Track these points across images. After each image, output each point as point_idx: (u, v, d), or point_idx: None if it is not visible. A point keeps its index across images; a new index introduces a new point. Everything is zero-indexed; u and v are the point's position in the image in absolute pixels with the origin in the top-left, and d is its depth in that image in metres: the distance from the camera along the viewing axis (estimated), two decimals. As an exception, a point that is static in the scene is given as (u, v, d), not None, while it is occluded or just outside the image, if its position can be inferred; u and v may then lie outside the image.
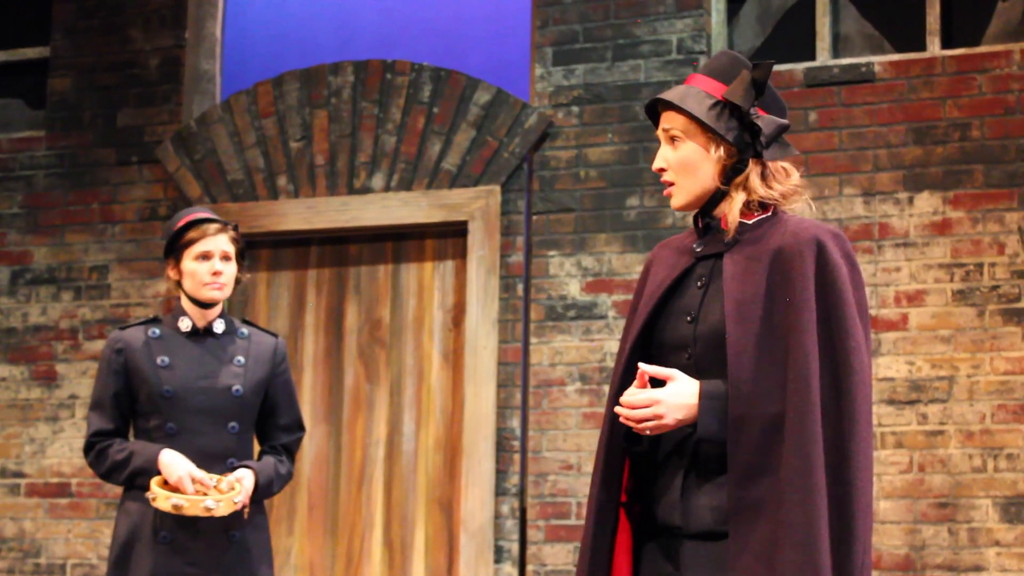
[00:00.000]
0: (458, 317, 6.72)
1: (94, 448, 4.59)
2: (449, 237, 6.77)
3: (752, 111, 3.09)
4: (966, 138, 6.03)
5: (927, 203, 6.05)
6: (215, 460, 4.54)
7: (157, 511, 4.45)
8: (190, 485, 4.40)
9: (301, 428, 4.83)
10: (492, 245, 6.58)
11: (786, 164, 3.14)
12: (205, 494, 4.41)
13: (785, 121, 3.15)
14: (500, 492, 6.44)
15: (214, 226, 4.65)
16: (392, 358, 6.81)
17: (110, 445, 4.56)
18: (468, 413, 6.51)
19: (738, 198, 3.08)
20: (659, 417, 2.93)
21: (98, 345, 7.05)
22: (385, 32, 7.56)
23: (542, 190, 6.58)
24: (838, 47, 6.46)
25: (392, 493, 6.71)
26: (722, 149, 3.08)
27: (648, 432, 2.95)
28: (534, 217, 6.58)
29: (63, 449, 7.07)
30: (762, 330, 2.95)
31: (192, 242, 4.62)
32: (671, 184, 3.12)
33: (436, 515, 6.64)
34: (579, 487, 6.32)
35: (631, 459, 3.12)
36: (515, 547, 6.39)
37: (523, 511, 6.43)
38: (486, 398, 6.48)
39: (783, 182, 3.12)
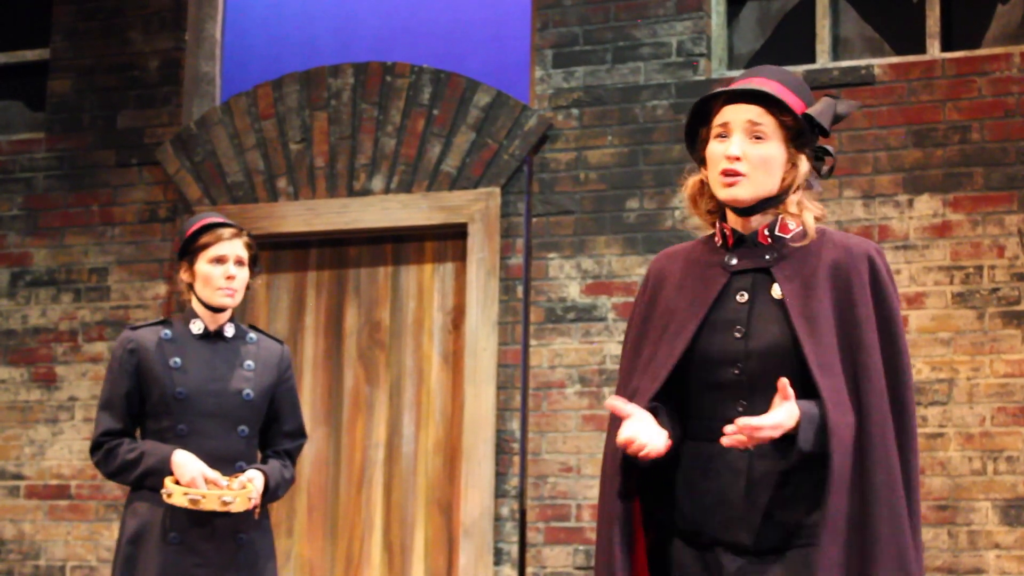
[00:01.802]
0: (458, 319, 6.72)
1: (103, 447, 4.58)
2: (449, 239, 6.77)
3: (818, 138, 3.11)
4: (966, 141, 6.03)
5: (927, 206, 6.05)
6: (224, 463, 4.54)
7: (167, 512, 4.45)
8: (203, 485, 4.41)
9: (303, 435, 4.84)
10: (492, 247, 6.58)
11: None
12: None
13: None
14: (500, 494, 6.43)
15: (229, 231, 4.68)
16: (392, 360, 6.81)
17: (120, 444, 4.55)
18: (468, 415, 6.50)
19: (806, 215, 3.08)
20: (770, 439, 2.90)
21: (98, 347, 7.04)
22: (385, 34, 7.56)
23: (542, 192, 6.58)
24: (838, 49, 6.46)
25: (392, 495, 6.71)
26: (806, 164, 3.08)
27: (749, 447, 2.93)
28: (534, 219, 6.58)
29: (63, 451, 7.06)
30: (831, 345, 2.96)
31: (207, 246, 4.63)
32: (739, 175, 3.04)
33: (436, 517, 6.64)
34: (579, 489, 6.32)
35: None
36: (515, 549, 6.39)
37: (523, 513, 6.43)
38: (486, 400, 6.48)
39: (817, 206, 3.15)
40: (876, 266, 3.04)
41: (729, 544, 2.98)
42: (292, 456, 4.79)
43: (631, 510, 3.05)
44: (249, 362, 4.67)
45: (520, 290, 6.54)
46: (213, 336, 4.69)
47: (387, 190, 6.80)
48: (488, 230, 6.60)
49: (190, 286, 4.70)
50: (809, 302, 2.99)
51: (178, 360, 4.61)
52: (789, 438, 2.90)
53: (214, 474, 4.44)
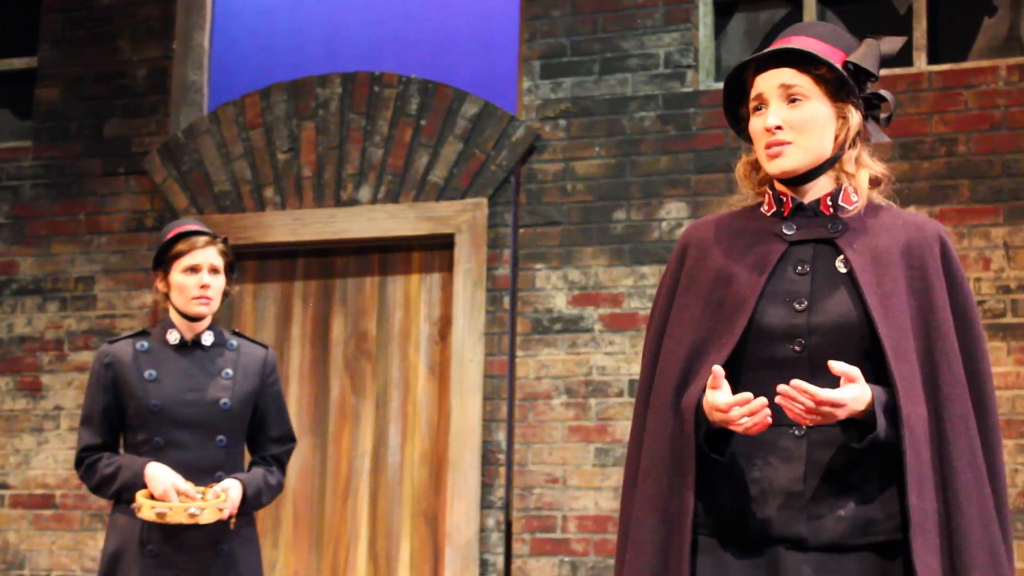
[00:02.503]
0: (444, 330, 6.71)
1: (84, 462, 4.57)
2: (436, 250, 6.77)
3: (868, 84, 2.91)
4: (952, 153, 6.04)
5: (913, 218, 6.05)
6: (203, 473, 4.52)
7: (144, 524, 4.44)
8: (175, 497, 4.39)
9: (292, 439, 4.81)
10: (479, 258, 6.58)
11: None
12: None
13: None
14: (485, 505, 6.43)
15: (203, 238, 4.64)
16: (378, 370, 6.80)
17: (99, 459, 4.54)
18: (454, 426, 6.50)
19: (862, 174, 2.90)
20: (831, 418, 2.66)
21: (84, 356, 7.03)
22: (373, 44, 7.57)
23: (529, 203, 6.59)
24: (825, 62, 6.46)
25: (377, 506, 6.70)
26: (856, 115, 2.88)
27: (805, 424, 2.68)
28: (521, 230, 6.58)
29: (47, 460, 7.05)
30: (906, 327, 2.75)
31: (181, 254, 4.60)
32: (784, 144, 2.84)
33: (421, 528, 6.63)
34: (564, 500, 6.31)
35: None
36: (500, 560, 6.38)
37: (508, 524, 6.42)
38: (472, 411, 6.48)
39: (880, 163, 2.96)
40: (948, 248, 2.86)
41: (782, 539, 2.72)
42: (280, 460, 4.75)
43: (687, 508, 2.76)
44: (228, 370, 4.63)
45: (507, 301, 6.54)
46: (190, 345, 4.64)
47: (374, 200, 6.80)
48: (475, 241, 6.60)
49: (166, 295, 4.67)
50: (883, 280, 2.79)
51: (153, 372, 4.58)
52: (855, 426, 2.69)
53: (186, 486, 4.41)
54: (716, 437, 2.77)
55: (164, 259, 4.64)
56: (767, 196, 2.95)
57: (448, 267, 6.72)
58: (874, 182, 2.94)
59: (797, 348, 2.76)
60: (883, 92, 2.93)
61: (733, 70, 2.95)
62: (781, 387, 2.64)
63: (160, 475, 4.42)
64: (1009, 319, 5.88)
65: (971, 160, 6.02)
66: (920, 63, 6.24)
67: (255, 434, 4.73)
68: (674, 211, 6.35)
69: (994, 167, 5.99)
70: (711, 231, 2.99)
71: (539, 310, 6.49)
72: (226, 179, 7.03)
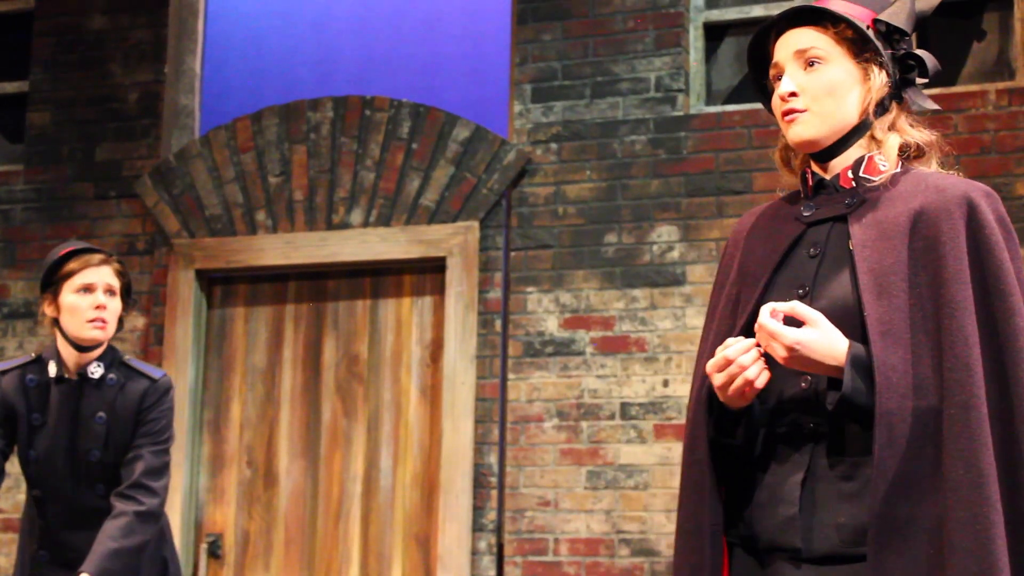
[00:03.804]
0: (436, 353, 6.72)
1: None
2: (427, 273, 6.78)
3: (904, 44, 2.66)
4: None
5: (903, 241, 6.07)
6: (88, 517, 4.19)
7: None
8: None
9: (162, 472, 4.22)
10: (470, 281, 6.59)
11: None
12: None
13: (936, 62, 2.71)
14: (477, 528, 6.43)
15: (97, 256, 4.24)
16: (370, 393, 6.80)
17: None
18: (446, 449, 6.50)
19: (891, 139, 2.64)
20: (793, 351, 2.42)
21: (75, 379, 7.02)
22: (364, 68, 7.59)
23: (520, 226, 6.60)
24: (815, 86, 6.49)
25: (369, 529, 6.69)
26: (882, 75, 2.64)
27: (761, 381, 2.46)
28: (512, 253, 6.60)
29: (39, 484, 7.04)
30: (907, 308, 2.46)
31: (72, 273, 4.18)
32: (800, 112, 2.64)
33: (413, 551, 6.62)
34: (556, 523, 6.32)
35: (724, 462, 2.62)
36: (492, 583, 6.38)
37: (500, 547, 6.42)
38: (464, 434, 6.48)
39: (925, 131, 2.70)
40: (977, 209, 2.51)
41: (782, 549, 2.53)
42: (146, 488, 4.15)
43: (716, 526, 2.60)
44: (101, 414, 4.20)
45: (498, 324, 6.55)
46: (72, 381, 4.22)
47: (366, 224, 6.81)
48: (466, 264, 6.61)
49: (55, 321, 4.22)
50: (883, 256, 2.50)
51: (38, 416, 4.20)
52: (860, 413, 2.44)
53: None
54: (731, 423, 2.62)
55: (53, 279, 4.21)
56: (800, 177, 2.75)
57: (440, 290, 6.73)
58: (917, 152, 2.71)
59: None
60: (920, 52, 2.69)
61: (754, 41, 2.77)
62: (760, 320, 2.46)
63: None
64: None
65: (960, 183, 6.04)
66: (909, 87, 6.27)
67: (125, 468, 4.22)
68: (665, 234, 6.38)
69: (983, 190, 6.01)
70: (749, 222, 2.80)
71: (530, 333, 6.50)
72: (218, 203, 7.04)
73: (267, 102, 7.14)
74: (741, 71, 6.64)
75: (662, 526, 6.11)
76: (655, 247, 6.38)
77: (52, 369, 4.19)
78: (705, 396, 2.61)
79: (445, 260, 6.66)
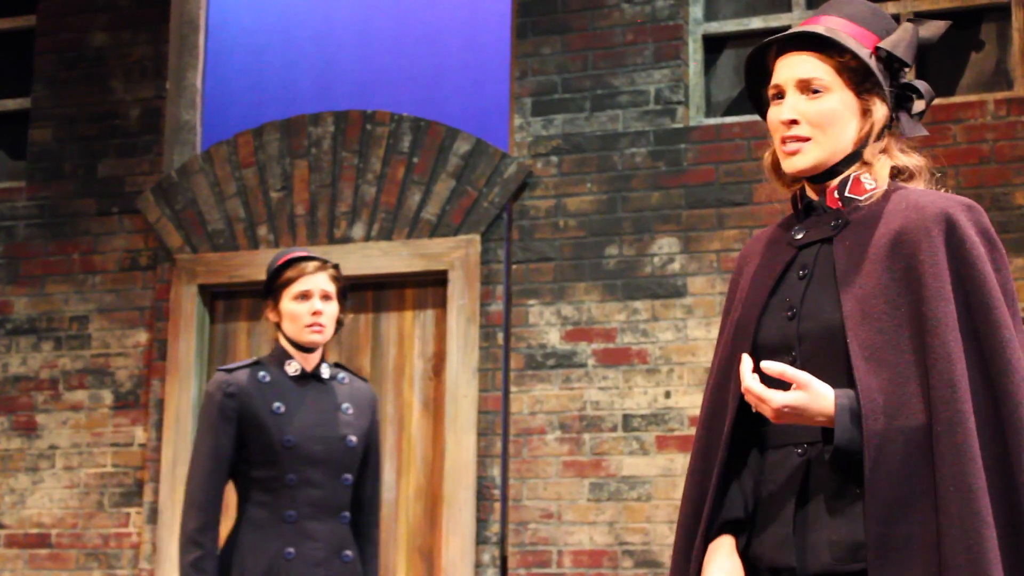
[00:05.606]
0: (438, 366, 6.73)
1: (192, 553, 4.28)
2: (429, 286, 6.79)
3: (904, 72, 2.66)
4: (941, 187, 6.07)
5: (903, 251, 6.08)
6: (330, 513, 4.37)
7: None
8: None
9: (379, 495, 4.61)
10: (472, 294, 6.60)
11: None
12: None
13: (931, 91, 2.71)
14: (481, 541, 6.44)
15: (312, 264, 4.46)
16: (372, 407, 6.81)
17: (208, 566, 4.27)
18: (449, 462, 6.51)
19: (881, 161, 2.65)
20: (781, 413, 2.45)
21: (78, 395, 7.04)
22: (365, 83, 7.62)
23: (521, 239, 6.62)
24: (814, 97, 6.51)
25: (373, 542, 6.70)
26: (882, 109, 2.65)
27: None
28: (513, 266, 6.61)
29: (43, 500, 7.05)
30: (891, 330, 2.47)
31: (290, 281, 4.43)
32: (802, 140, 2.62)
33: (417, 564, 6.63)
34: (559, 535, 6.32)
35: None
36: (496, 596, 6.39)
37: (504, 560, 6.43)
38: (466, 447, 6.49)
39: (915, 155, 2.71)
40: (956, 225, 2.53)
41: (781, 569, 2.54)
42: (374, 540, 4.54)
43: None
44: (346, 404, 4.46)
45: (500, 337, 6.56)
46: (309, 377, 4.46)
47: (367, 238, 6.82)
48: (468, 277, 6.63)
49: (277, 325, 4.49)
50: (864, 278, 2.52)
51: (280, 405, 4.36)
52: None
53: None
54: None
55: (273, 287, 4.48)
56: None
57: (442, 304, 6.74)
58: (908, 176, 2.72)
59: (791, 359, 2.58)
60: (917, 83, 2.72)
61: (755, 53, 2.75)
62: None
63: None
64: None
65: (960, 194, 6.04)
66: (908, 98, 6.28)
67: (358, 482, 4.51)
68: (666, 246, 6.39)
69: (983, 201, 6.02)
70: (750, 248, 2.81)
71: (532, 346, 6.51)
72: (220, 218, 7.05)
73: (268, 117, 7.17)
74: (740, 83, 6.66)
75: (665, 537, 6.12)
76: (656, 259, 6.40)
77: (294, 367, 4.43)
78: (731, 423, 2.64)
79: (447, 274, 6.67)
